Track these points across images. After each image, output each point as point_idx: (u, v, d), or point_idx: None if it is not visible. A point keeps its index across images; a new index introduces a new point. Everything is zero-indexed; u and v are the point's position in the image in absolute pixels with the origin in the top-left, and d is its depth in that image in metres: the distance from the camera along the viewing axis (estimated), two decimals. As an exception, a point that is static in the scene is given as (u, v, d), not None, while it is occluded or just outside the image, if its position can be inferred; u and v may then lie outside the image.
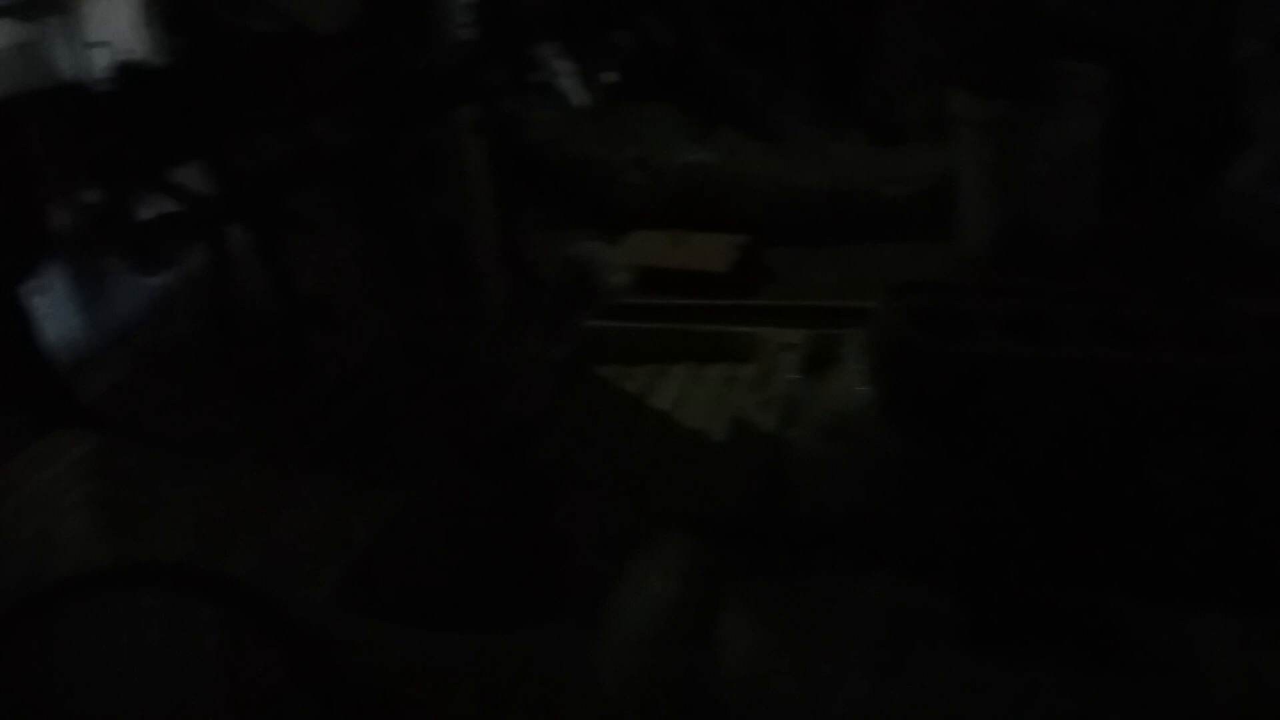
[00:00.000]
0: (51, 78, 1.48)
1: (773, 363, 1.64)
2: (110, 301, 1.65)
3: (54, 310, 1.55)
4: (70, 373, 1.53)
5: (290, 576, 1.28)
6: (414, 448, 1.37)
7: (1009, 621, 0.99)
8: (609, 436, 1.55)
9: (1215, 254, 2.54)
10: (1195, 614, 0.99)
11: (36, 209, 1.30)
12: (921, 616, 1.00)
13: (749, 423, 1.50)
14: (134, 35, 1.41)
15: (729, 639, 1.03)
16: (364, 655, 1.02)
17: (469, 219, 1.47)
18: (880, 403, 1.34)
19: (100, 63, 1.42)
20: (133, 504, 1.29)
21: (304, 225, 1.39)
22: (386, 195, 1.38)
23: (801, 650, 1.00)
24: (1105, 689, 0.95)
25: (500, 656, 1.05)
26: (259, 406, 1.47)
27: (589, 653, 1.02)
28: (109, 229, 1.32)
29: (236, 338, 1.56)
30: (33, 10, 1.49)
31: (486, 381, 1.36)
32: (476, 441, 1.29)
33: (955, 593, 1.01)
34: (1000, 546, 1.13)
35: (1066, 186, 2.61)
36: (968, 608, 0.99)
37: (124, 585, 1.02)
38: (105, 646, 0.98)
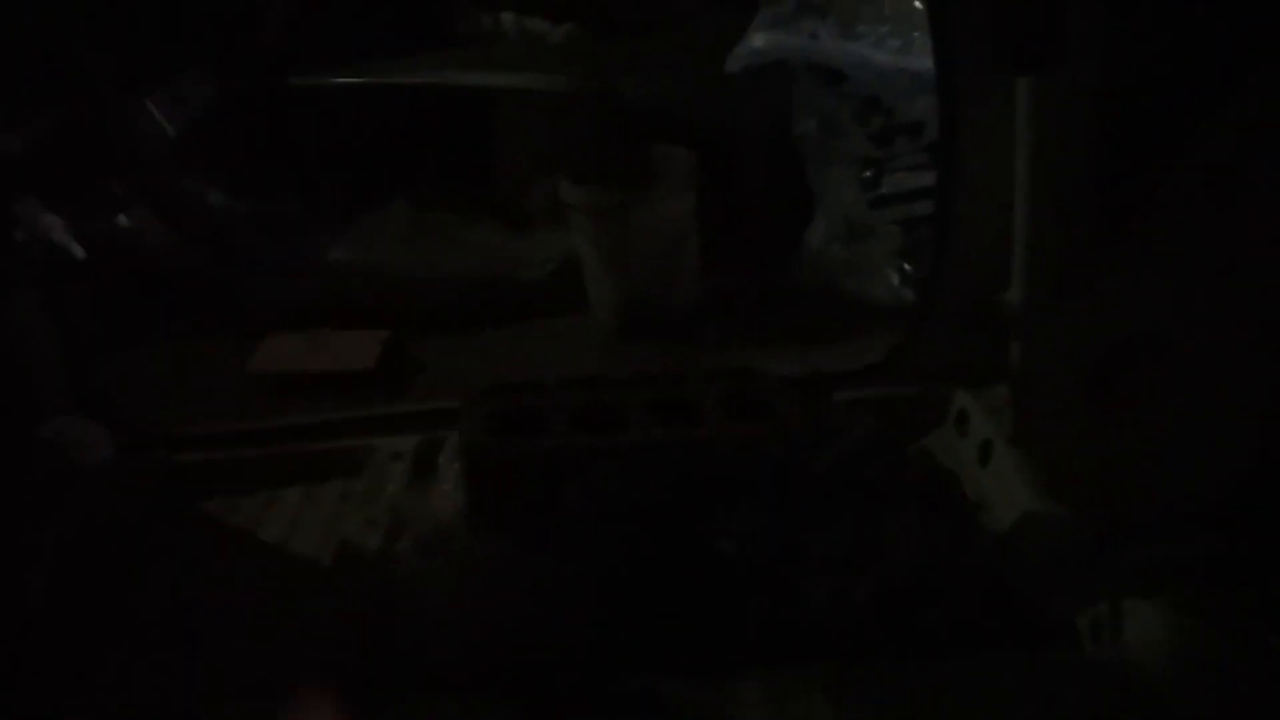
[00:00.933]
0: None
1: (381, 475, 1.64)
2: None
3: None
4: None
5: None
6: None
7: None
8: (208, 582, 1.47)
9: (808, 303, 2.91)
10: (733, 680, 1.11)
11: None
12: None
13: (356, 544, 1.48)
14: None
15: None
16: None
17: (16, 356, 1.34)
18: (469, 507, 1.38)
19: None
20: None
21: None
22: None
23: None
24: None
25: None
26: None
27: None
28: None
29: None
30: None
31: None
32: None
33: (521, 708, 1.06)
34: (563, 643, 1.19)
35: (672, 258, 2.86)
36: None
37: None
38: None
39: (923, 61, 2.75)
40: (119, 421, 1.70)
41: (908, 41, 2.80)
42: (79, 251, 1.14)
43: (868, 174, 2.80)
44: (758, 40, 2.75)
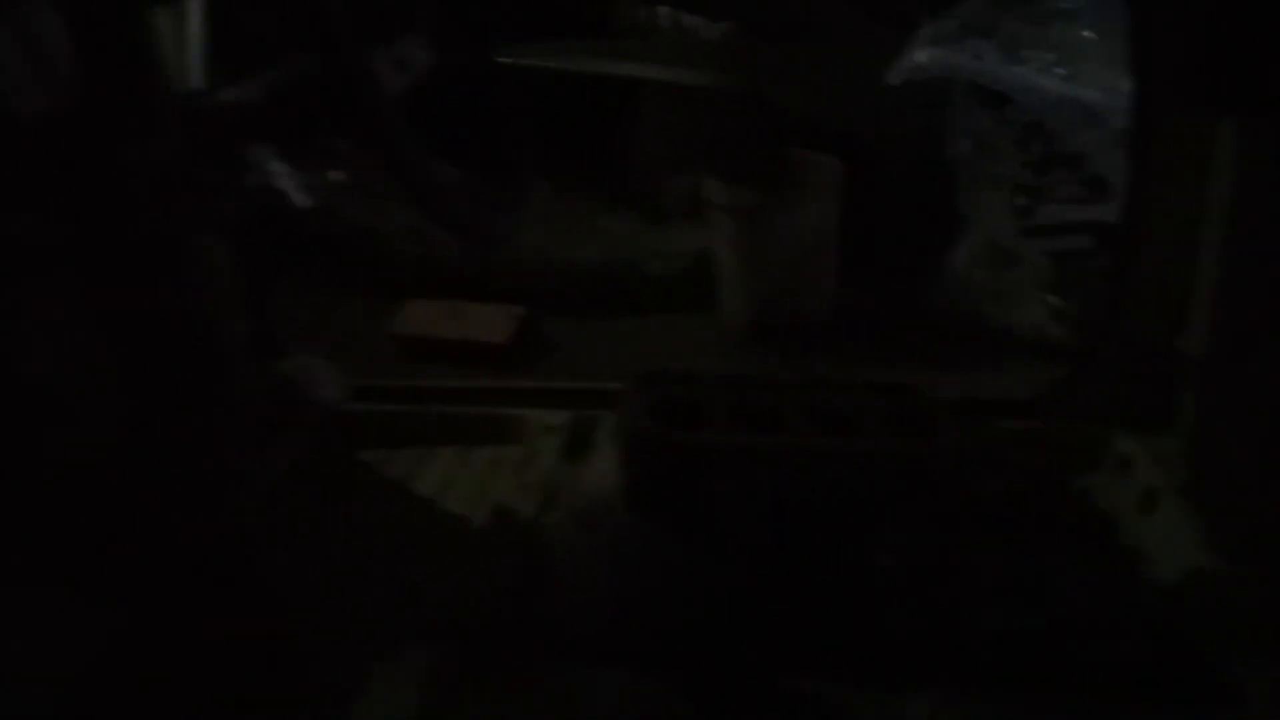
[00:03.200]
0: None
1: (536, 446, 1.69)
2: None
3: None
4: None
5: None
6: (141, 555, 1.29)
7: (732, 712, 1.07)
8: (366, 528, 1.53)
9: (947, 326, 2.86)
10: (901, 695, 1.10)
11: None
12: (656, 714, 1.05)
13: (509, 509, 1.52)
14: None
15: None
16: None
17: (213, 302, 1.40)
18: (626, 490, 1.41)
19: None
20: None
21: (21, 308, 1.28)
22: (112, 284, 1.30)
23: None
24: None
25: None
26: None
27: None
28: None
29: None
30: None
31: (218, 480, 1.30)
32: (200, 548, 1.23)
33: (683, 686, 1.08)
34: (727, 634, 1.21)
35: (809, 266, 2.85)
36: (693, 700, 1.06)
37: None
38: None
39: (1090, 92, 2.69)
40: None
41: (1075, 71, 2.73)
42: (303, 200, 1.19)
43: (1023, 202, 2.74)
44: (922, 56, 2.71)
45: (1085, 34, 2.75)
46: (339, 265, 3.21)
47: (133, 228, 1.18)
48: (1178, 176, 1.55)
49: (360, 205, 3.17)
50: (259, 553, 1.14)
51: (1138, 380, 1.63)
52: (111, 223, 1.18)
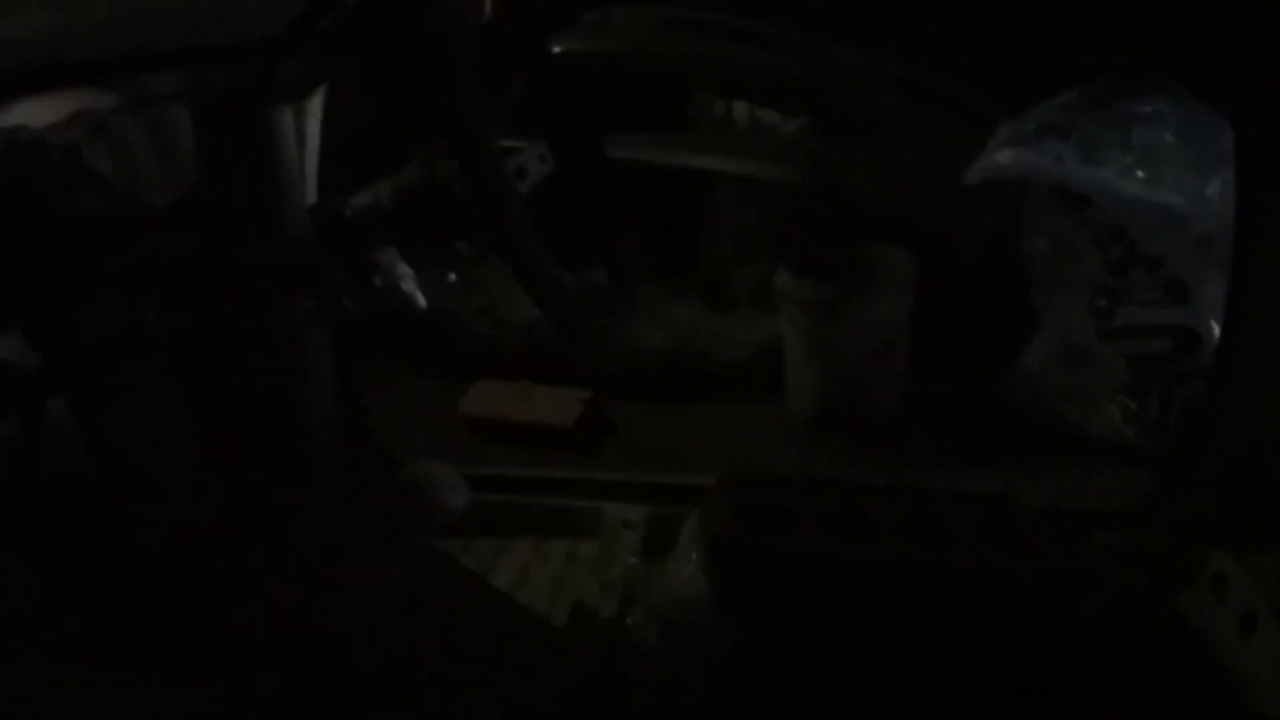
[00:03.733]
0: None
1: (613, 541, 1.68)
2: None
3: None
4: None
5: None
6: (237, 639, 1.31)
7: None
8: (446, 620, 1.53)
9: (1018, 426, 2.82)
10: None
11: None
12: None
13: (589, 607, 1.51)
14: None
15: None
16: None
17: (306, 390, 1.44)
18: (712, 593, 1.39)
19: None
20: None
21: (128, 392, 1.33)
22: (217, 370, 1.34)
23: None
24: None
25: None
26: (64, 585, 1.37)
27: None
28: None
29: (44, 507, 1.46)
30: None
31: (317, 566, 1.31)
32: (302, 635, 1.24)
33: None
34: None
35: (881, 360, 2.84)
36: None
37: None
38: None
39: (1171, 196, 2.68)
40: (374, 450, 1.81)
41: (1155, 174, 2.72)
42: (423, 302, 1.23)
43: (1102, 303, 2.71)
44: (1003, 156, 2.73)
45: (1166, 137, 2.76)
46: (411, 345, 3.27)
47: (249, 323, 1.22)
48: (1278, 289, 1.53)
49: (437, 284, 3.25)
50: (355, 648, 1.14)
51: (1236, 495, 1.58)
52: (229, 317, 1.22)
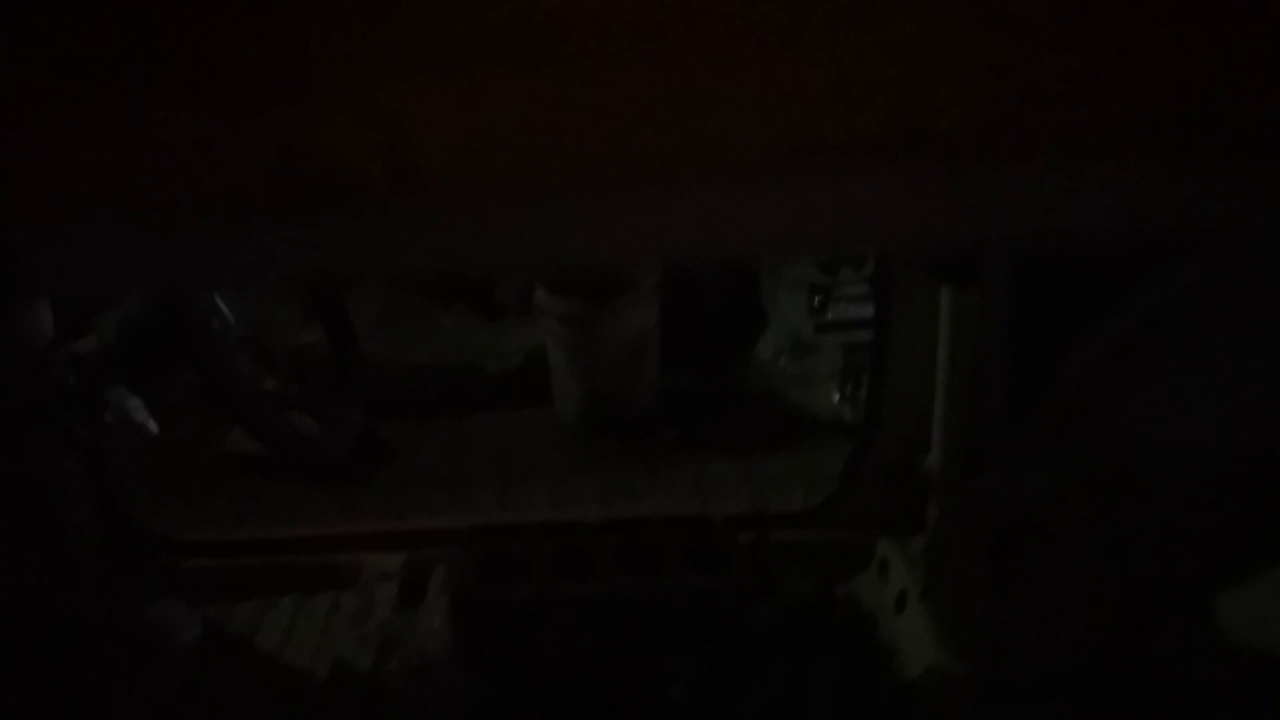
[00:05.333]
0: None
1: (372, 593, 1.83)
2: None
3: None
4: None
5: None
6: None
7: None
8: (212, 684, 1.64)
9: (756, 410, 3.17)
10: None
11: None
12: None
13: (347, 662, 1.67)
14: None
15: None
16: None
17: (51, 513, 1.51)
18: (455, 642, 1.59)
19: None
20: None
21: None
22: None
23: None
24: None
25: None
26: None
27: None
28: None
29: None
30: None
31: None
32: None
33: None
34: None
35: (634, 365, 3.10)
36: None
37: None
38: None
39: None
40: (128, 529, 1.88)
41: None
42: (154, 428, 1.32)
43: (818, 299, 3.08)
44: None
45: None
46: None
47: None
48: (911, 328, 1.85)
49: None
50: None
51: (892, 491, 1.92)
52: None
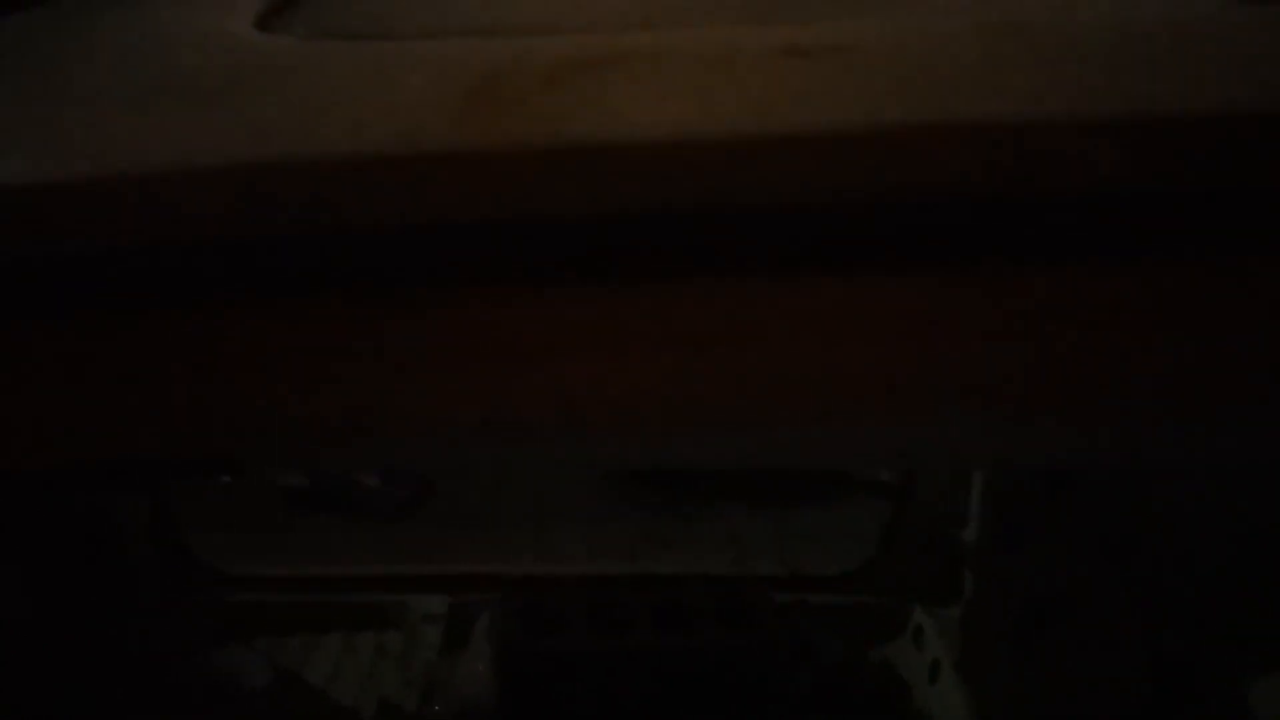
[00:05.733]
0: None
1: (415, 635, 1.89)
2: None
3: None
4: None
5: None
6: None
7: None
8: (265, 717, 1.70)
9: (800, 471, 3.21)
10: None
11: None
12: None
13: (393, 704, 1.72)
14: None
15: None
16: None
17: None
18: (496, 688, 1.64)
19: None
20: None
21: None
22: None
23: None
24: None
25: None
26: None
27: None
28: None
29: None
30: None
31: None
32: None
33: None
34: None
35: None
36: None
37: None
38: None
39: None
40: (186, 561, 1.95)
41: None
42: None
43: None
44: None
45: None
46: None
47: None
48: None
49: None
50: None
51: (928, 560, 1.95)
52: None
